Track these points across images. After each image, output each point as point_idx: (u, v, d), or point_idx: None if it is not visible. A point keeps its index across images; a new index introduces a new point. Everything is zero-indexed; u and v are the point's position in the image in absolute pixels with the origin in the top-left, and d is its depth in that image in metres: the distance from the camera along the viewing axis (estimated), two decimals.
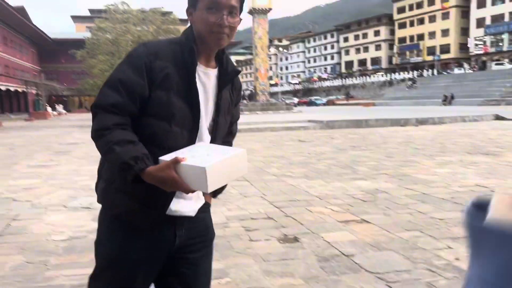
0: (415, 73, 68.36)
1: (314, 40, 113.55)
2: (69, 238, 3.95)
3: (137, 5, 31.53)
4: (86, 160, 9.35)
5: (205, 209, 1.65)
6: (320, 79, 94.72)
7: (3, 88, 44.14)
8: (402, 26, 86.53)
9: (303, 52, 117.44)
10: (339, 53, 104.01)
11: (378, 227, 4.18)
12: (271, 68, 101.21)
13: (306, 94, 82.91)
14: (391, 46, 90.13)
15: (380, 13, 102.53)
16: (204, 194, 1.61)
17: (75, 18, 73.16)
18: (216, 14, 1.40)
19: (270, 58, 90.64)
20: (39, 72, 57.16)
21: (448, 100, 43.32)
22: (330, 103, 60.48)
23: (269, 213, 4.79)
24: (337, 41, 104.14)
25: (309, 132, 16.51)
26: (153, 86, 1.37)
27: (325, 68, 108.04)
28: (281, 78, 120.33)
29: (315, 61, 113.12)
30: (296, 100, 66.66)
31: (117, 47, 26.82)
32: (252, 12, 32.37)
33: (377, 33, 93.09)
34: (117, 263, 1.47)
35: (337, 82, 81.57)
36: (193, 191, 1.31)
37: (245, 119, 21.31)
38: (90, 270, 1.56)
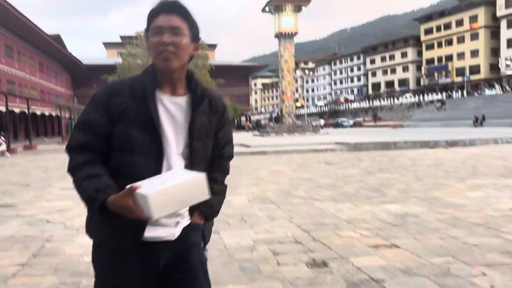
0: (444, 94, 67.25)
1: (340, 62, 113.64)
2: None
3: None
4: None
5: (192, 229, 1.63)
6: (347, 100, 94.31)
7: (38, 112, 45.79)
8: (430, 47, 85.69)
9: (329, 74, 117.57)
10: (365, 75, 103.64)
11: (408, 252, 4.10)
12: (297, 90, 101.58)
13: (332, 116, 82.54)
14: (418, 68, 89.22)
15: (407, 34, 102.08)
16: (191, 214, 1.62)
17: (107, 45, 75.66)
18: (158, 36, 1.48)
19: (296, 80, 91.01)
20: (72, 97, 59.07)
21: (479, 121, 42.32)
22: (357, 124, 60.00)
23: (296, 236, 4.77)
24: (364, 63, 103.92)
25: (336, 154, 16.41)
26: (113, 122, 1.47)
27: (352, 90, 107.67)
28: (307, 100, 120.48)
29: (341, 83, 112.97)
30: (322, 122, 66.47)
31: None
32: (278, 36, 32.82)
33: (404, 54, 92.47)
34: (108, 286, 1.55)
35: (364, 104, 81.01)
36: (146, 218, 1.32)
37: (271, 142, 21.39)
38: None
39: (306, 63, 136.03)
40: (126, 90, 1.50)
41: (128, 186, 1.33)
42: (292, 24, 33.00)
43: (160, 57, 1.48)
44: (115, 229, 1.46)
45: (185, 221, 1.61)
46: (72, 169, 1.47)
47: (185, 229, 1.59)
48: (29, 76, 42.74)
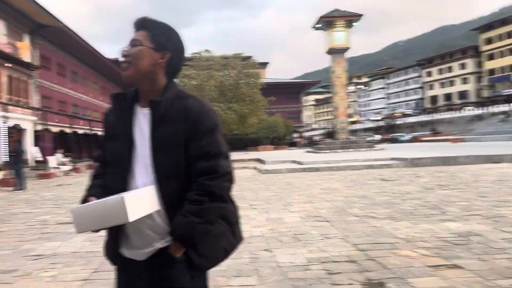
0: (508, 106, 63.59)
1: (395, 76, 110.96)
2: None
3: (219, 51, 33.23)
4: None
5: (170, 260, 1.51)
6: (403, 115, 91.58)
7: (99, 133, 48.17)
8: (491, 57, 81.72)
9: (384, 88, 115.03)
10: (422, 88, 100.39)
11: (472, 273, 3.87)
12: (350, 106, 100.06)
13: (388, 130, 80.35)
14: (479, 79, 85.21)
15: (465, 45, 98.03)
16: (170, 245, 1.52)
17: None
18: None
19: (349, 96, 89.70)
20: None
21: None
22: (414, 139, 57.98)
23: (351, 256, 4.65)
24: (420, 76, 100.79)
25: (392, 171, 15.92)
26: (106, 138, 1.67)
27: (407, 104, 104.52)
28: (362, 116, 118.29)
29: (396, 97, 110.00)
30: (378, 137, 64.88)
31: (201, 92, 28.31)
32: (330, 51, 32.66)
33: (462, 66, 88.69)
34: None
35: (422, 118, 78.26)
36: (78, 232, 1.46)
37: (324, 158, 21.13)
38: None
39: (359, 77, 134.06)
40: (113, 108, 1.67)
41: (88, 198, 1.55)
42: (343, 39, 32.75)
43: (120, 70, 1.58)
44: (106, 241, 1.67)
45: (159, 245, 1.53)
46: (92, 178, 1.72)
47: (160, 256, 1.52)
48: (91, 99, 45.14)
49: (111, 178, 1.58)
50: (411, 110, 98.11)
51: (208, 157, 1.53)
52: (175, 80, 1.67)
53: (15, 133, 24.13)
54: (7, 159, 16.01)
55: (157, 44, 1.56)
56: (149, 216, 1.49)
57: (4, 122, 20.26)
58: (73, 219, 1.39)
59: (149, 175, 1.51)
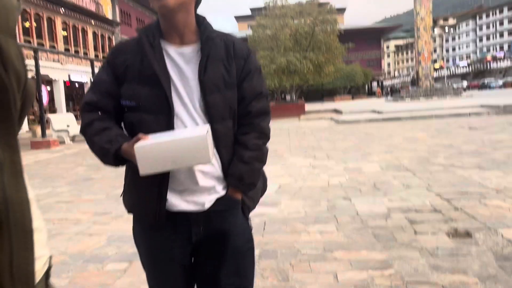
0: None
1: (487, 16, 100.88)
2: None
3: None
4: None
5: (229, 206, 1.43)
6: (495, 58, 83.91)
7: None
8: None
9: (474, 30, 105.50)
10: None
11: None
12: (435, 51, 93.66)
13: (477, 76, 74.49)
14: None
15: None
16: (228, 188, 1.42)
17: (238, 18, 78.18)
18: None
19: (434, 40, 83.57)
20: None
21: None
22: (508, 85, 53.21)
23: (436, 205, 4.45)
24: None
25: (482, 119, 14.82)
26: (120, 81, 1.38)
27: (501, 46, 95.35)
28: (447, 61, 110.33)
29: (488, 39, 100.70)
30: (465, 83, 60.42)
31: (276, 42, 27.83)
32: None
33: None
34: (145, 260, 1.51)
35: None
36: (142, 174, 1.24)
37: (406, 107, 20.18)
38: None
39: (446, 19, 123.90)
40: (130, 47, 1.41)
41: (137, 135, 1.26)
42: None
43: (155, 1, 1.32)
44: (139, 194, 1.41)
45: (220, 191, 1.42)
46: (83, 129, 1.41)
47: (220, 204, 1.41)
48: None
49: (146, 127, 1.33)
50: (503, 52, 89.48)
51: (260, 98, 1.46)
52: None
53: None
54: None
55: None
56: None
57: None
58: (138, 159, 1.21)
59: (197, 119, 1.37)
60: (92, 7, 26.22)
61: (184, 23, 1.37)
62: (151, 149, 1.21)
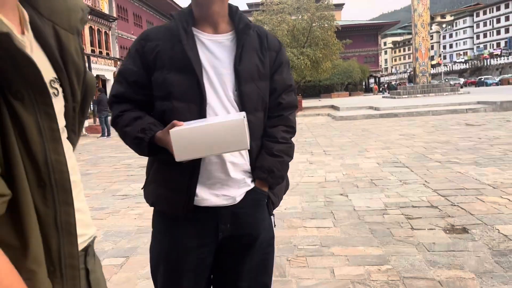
0: None
1: (485, 13, 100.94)
2: None
3: None
4: None
5: (256, 202, 1.39)
6: (492, 55, 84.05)
7: None
8: None
9: (471, 27, 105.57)
10: None
11: None
12: (432, 47, 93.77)
13: (474, 73, 74.59)
14: None
15: None
16: (255, 180, 1.37)
17: None
18: None
19: (431, 36, 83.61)
20: None
21: None
22: (504, 82, 53.30)
23: (432, 201, 4.46)
24: None
25: (478, 115, 14.85)
26: (149, 69, 1.33)
27: (498, 44, 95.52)
28: (444, 58, 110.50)
29: (485, 36, 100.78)
30: (462, 80, 60.50)
31: None
32: None
33: None
34: (161, 255, 1.40)
35: None
36: (178, 160, 1.18)
37: (403, 103, 20.20)
38: None
39: (443, 16, 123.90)
40: (160, 34, 1.36)
41: (172, 122, 1.21)
42: None
43: None
44: (166, 186, 1.34)
45: (250, 184, 1.37)
46: (114, 121, 1.37)
47: (248, 199, 1.36)
48: None
49: (178, 115, 1.27)
50: (500, 50, 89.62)
51: (290, 91, 1.46)
52: None
53: (98, 83, 25.62)
54: (92, 108, 17.15)
55: None
56: (238, 153, 1.33)
57: None
58: (173, 144, 1.15)
59: (230, 108, 1.33)
60: (89, 2, 26.09)
61: (219, 12, 1.34)
62: (188, 134, 1.16)
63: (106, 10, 28.86)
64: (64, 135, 0.76)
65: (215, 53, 1.34)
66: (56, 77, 0.74)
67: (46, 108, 0.68)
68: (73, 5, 0.79)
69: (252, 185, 1.37)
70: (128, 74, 1.35)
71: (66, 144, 0.77)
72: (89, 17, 25.93)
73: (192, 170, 1.29)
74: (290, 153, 1.44)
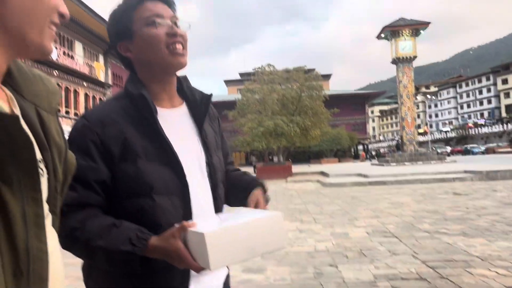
0: None
1: (467, 85, 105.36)
2: None
3: (281, 66, 33.50)
4: None
5: (227, 281, 1.31)
6: (476, 125, 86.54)
7: None
8: None
9: (454, 98, 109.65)
10: (497, 96, 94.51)
11: None
12: (418, 116, 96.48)
13: (460, 142, 76.36)
14: None
15: None
16: (255, 189, 1.27)
17: (228, 82, 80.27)
18: (162, 26, 1.16)
19: (417, 106, 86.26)
20: None
21: None
22: (489, 151, 54.54)
23: (421, 273, 4.44)
24: (495, 84, 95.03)
25: (465, 184, 15.05)
26: (113, 161, 1.08)
27: (481, 114, 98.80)
28: (431, 126, 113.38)
29: (468, 106, 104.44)
30: (449, 149, 61.78)
31: (264, 106, 28.59)
32: (396, 61, 31.83)
33: None
34: None
35: (497, 128, 73.50)
36: (200, 268, 0.96)
37: (391, 171, 20.45)
38: None
39: (427, 87, 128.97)
40: (118, 115, 1.12)
41: (181, 223, 0.98)
42: (410, 48, 31.79)
43: (171, 51, 1.15)
44: (155, 285, 1.08)
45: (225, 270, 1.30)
46: (68, 236, 1.01)
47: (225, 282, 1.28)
48: None
49: (162, 215, 1.09)
50: (483, 120, 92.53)
51: (228, 153, 1.47)
52: None
53: None
54: None
55: None
56: None
57: None
58: (209, 251, 0.91)
59: (207, 187, 1.20)
60: (85, 70, 26.91)
61: (175, 84, 1.26)
62: (224, 235, 0.94)
63: (102, 78, 29.69)
64: (48, 220, 0.73)
65: (179, 130, 1.20)
66: (42, 157, 0.71)
67: (33, 194, 0.65)
68: (54, 89, 0.80)
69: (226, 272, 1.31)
70: (84, 174, 1.05)
71: (51, 232, 0.73)
72: (85, 84, 26.63)
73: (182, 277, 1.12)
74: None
